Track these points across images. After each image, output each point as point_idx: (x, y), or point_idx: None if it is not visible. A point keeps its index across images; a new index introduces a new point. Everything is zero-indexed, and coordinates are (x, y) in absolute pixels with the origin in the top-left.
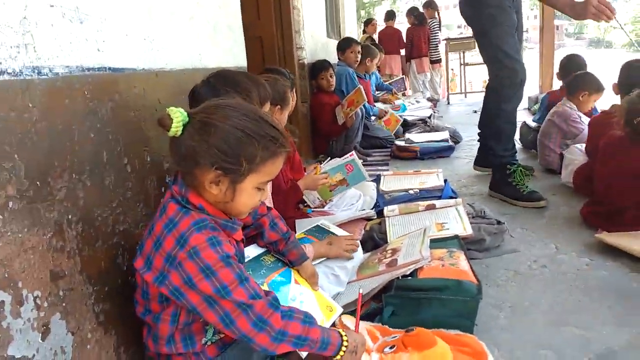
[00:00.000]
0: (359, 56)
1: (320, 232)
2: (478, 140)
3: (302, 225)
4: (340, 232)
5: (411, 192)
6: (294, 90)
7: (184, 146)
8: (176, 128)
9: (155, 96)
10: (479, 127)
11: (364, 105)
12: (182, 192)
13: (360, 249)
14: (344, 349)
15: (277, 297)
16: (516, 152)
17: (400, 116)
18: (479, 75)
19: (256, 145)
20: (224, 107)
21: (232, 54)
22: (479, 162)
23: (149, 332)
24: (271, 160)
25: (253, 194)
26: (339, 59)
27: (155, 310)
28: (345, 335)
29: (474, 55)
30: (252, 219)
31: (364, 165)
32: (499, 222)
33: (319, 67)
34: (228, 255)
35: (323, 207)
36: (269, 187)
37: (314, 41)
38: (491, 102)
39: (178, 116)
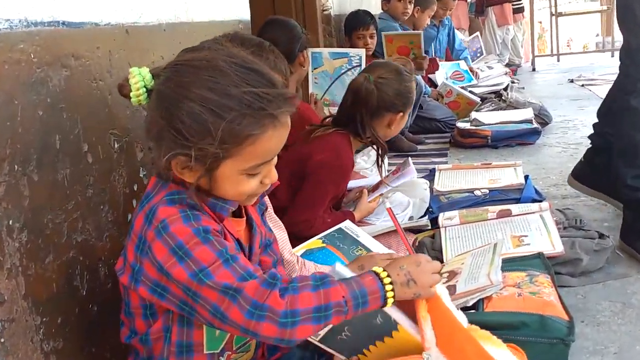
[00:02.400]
0: (410, 6)
1: (344, 240)
2: (591, 143)
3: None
4: (374, 245)
5: (478, 193)
6: (306, 52)
7: (148, 120)
8: (136, 95)
9: (125, 60)
10: (597, 123)
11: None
12: (158, 185)
13: None
14: (389, 289)
15: (275, 273)
16: None
17: (471, 90)
18: (577, 30)
19: (222, 122)
20: (185, 68)
21: (230, 3)
22: (584, 178)
23: None
24: (254, 137)
25: (240, 181)
26: (382, 9)
27: (140, 329)
28: (384, 271)
29: (571, 0)
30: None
31: (412, 156)
32: (601, 236)
33: (356, 22)
34: (206, 229)
35: None
36: (273, 169)
37: None
38: (617, 91)
39: (136, 80)
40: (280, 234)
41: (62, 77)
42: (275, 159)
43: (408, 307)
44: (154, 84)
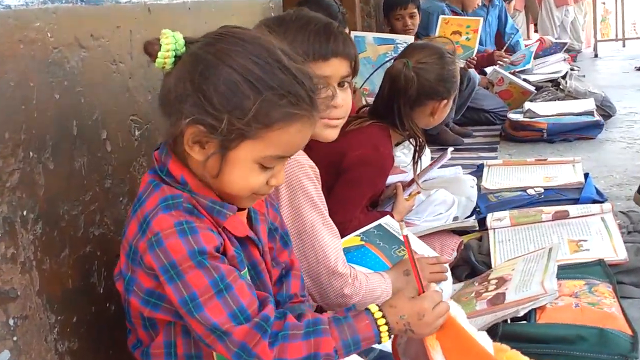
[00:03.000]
0: None
1: (385, 238)
2: None
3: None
4: (418, 245)
5: (531, 192)
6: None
7: (168, 85)
8: (164, 57)
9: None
10: None
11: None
12: (162, 158)
13: (449, 277)
14: (384, 334)
15: (268, 316)
16: None
17: (525, 79)
18: None
19: (260, 97)
20: (229, 37)
21: None
22: None
23: None
24: (284, 123)
25: (252, 170)
26: None
27: (144, 340)
28: (382, 317)
29: None
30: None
31: (458, 150)
32: None
33: (394, 0)
34: (202, 251)
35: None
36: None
37: None
38: None
39: (169, 41)
40: (334, 241)
41: (80, 58)
42: (288, 160)
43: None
44: (187, 50)
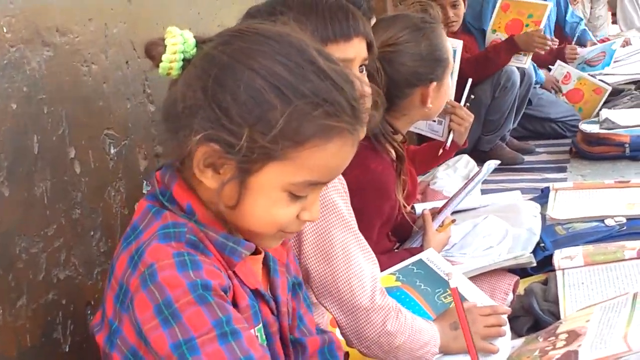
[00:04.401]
0: None
1: (427, 279)
2: None
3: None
4: (469, 289)
5: (610, 222)
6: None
7: (174, 95)
8: (170, 61)
9: (125, 36)
10: None
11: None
12: (164, 180)
13: (508, 330)
14: None
15: None
16: None
17: (602, 80)
18: None
19: (289, 107)
20: (250, 34)
21: None
22: None
23: None
24: (320, 140)
25: (279, 200)
26: None
27: None
28: None
29: None
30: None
31: (517, 170)
32: None
33: None
34: (206, 285)
35: None
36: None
37: None
38: None
39: (176, 41)
40: (371, 268)
41: (43, 59)
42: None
43: None
44: (199, 51)
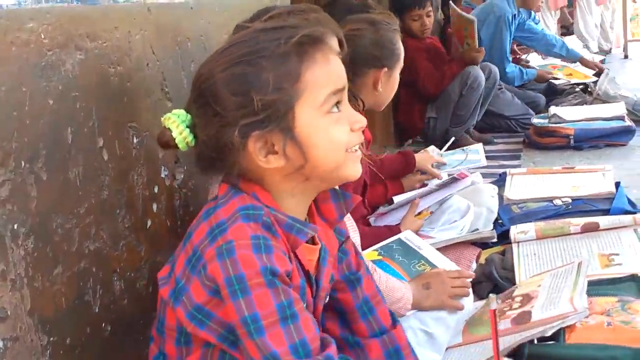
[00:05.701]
0: None
1: (404, 252)
2: None
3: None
4: (439, 259)
5: (558, 202)
6: None
7: (206, 143)
8: (182, 135)
9: (147, 42)
10: None
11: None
12: (230, 182)
13: (471, 293)
14: None
15: (332, 356)
16: None
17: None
18: None
19: (268, 62)
20: (211, 57)
21: None
22: None
23: None
24: (306, 66)
25: (327, 125)
26: None
27: (170, 354)
28: None
29: None
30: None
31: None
32: None
33: (409, 0)
34: (274, 272)
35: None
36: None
37: None
38: None
39: (174, 119)
40: (354, 236)
41: (76, 61)
42: (346, 97)
43: None
44: (192, 117)
